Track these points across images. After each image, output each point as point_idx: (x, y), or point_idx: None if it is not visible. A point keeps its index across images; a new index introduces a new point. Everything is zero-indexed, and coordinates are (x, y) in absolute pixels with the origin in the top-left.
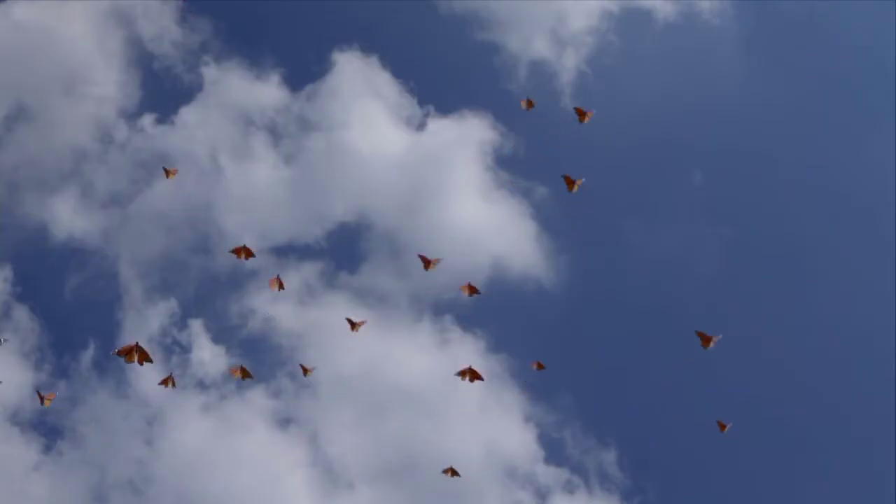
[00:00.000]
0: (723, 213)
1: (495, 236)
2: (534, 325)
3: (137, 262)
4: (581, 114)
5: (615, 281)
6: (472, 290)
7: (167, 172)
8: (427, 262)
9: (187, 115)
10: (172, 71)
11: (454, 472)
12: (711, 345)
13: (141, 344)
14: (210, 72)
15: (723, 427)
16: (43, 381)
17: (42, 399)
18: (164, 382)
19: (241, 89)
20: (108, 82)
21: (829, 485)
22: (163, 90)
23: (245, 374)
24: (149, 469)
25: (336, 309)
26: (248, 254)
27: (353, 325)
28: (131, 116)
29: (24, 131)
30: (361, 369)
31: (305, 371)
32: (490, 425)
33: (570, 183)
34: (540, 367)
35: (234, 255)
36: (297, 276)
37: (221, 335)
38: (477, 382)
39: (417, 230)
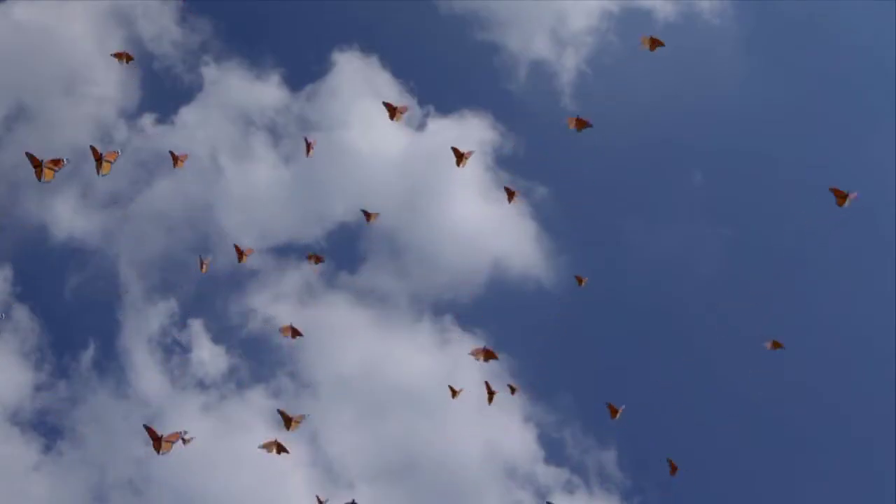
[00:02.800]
0: (723, 213)
1: (495, 236)
2: (534, 325)
3: (137, 262)
4: (652, 42)
5: (615, 281)
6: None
7: (175, 160)
8: (393, 111)
9: (187, 115)
10: (172, 71)
11: None
12: (847, 203)
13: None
14: (210, 72)
15: (773, 345)
16: (43, 381)
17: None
18: None
19: (241, 89)
20: (108, 82)
21: (830, 484)
22: (163, 90)
23: (295, 332)
24: (149, 469)
25: (336, 309)
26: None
27: (460, 157)
28: (131, 116)
29: (24, 131)
30: (361, 369)
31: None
32: (490, 425)
33: (574, 122)
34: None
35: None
36: (297, 276)
37: (221, 335)
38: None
39: (417, 230)
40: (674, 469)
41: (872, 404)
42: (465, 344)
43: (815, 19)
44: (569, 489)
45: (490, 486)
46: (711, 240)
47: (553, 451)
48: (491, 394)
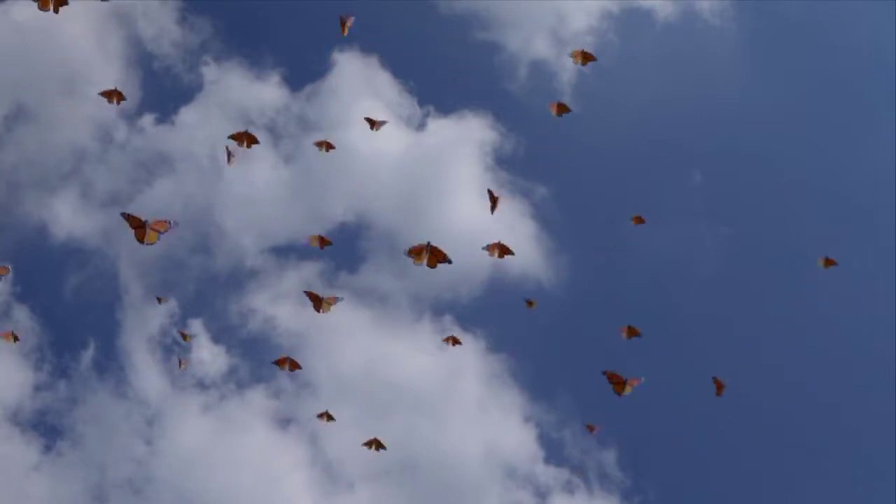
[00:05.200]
0: (723, 213)
1: (495, 236)
2: (534, 325)
3: (137, 262)
4: (584, 57)
5: (615, 281)
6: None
7: (372, 123)
8: (372, 124)
9: (187, 115)
10: (172, 71)
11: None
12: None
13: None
14: (210, 72)
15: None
16: (43, 381)
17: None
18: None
19: (241, 89)
20: (108, 82)
21: (830, 484)
22: (163, 90)
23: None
24: (149, 469)
25: (336, 309)
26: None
27: (373, 124)
28: (131, 116)
29: (24, 131)
30: (361, 369)
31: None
32: (490, 425)
33: (579, 57)
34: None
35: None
36: (297, 276)
37: (221, 335)
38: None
39: (417, 230)
40: (720, 388)
41: (873, 405)
42: (465, 344)
43: (816, 20)
44: (569, 489)
45: (490, 486)
46: (711, 240)
47: (553, 451)
48: (494, 200)
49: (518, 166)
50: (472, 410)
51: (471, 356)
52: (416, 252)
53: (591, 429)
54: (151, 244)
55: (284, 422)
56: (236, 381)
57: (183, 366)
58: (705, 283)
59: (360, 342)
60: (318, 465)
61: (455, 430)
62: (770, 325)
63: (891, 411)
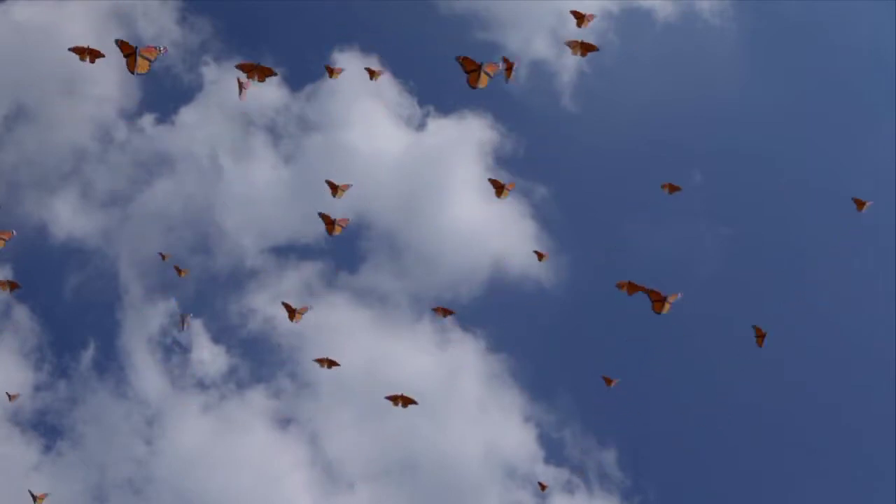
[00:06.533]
0: (723, 213)
1: (495, 236)
2: (534, 325)
3: (137, 262)
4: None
5: (615, 281)
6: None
7: (371, 73)
8: (500, 189)
9: (187, 115)
10: (172, 71)
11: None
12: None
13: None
14: (210, 72)
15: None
16: (43, 381)
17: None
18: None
19: None
20: (108, 82)
21: (830, 484)
22: (163, 90)
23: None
24: (149, 469)
25: (336, 309)
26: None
27: (373, 73)
28: (131, 116)
29: (24, 131)
30: (361, 369)
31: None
32: (490, 425)
33: (577, 48)
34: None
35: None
36: (297, 276)
37: (221, 335)
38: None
39: (417, 230)
40: (761, 338)
41: (872, 404)
42: (465, 344)
43: (816, 20)
44: (569, 489)
45: (490, 486)
46: (711, 240)
47: (553, 451)
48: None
49: (518, 166)
50: (472, 410)
51: (471, 356)
52: (473, 76)
53: (608, 382)
54: (143, 73)
55: (284, 422)
56: (236, 381)
57: (185, 324)
58: (705, 283)
59: (360, 342)
60: (318, 465)
61: (455, 430)
62: (770, 325)
63: (891, 411)
